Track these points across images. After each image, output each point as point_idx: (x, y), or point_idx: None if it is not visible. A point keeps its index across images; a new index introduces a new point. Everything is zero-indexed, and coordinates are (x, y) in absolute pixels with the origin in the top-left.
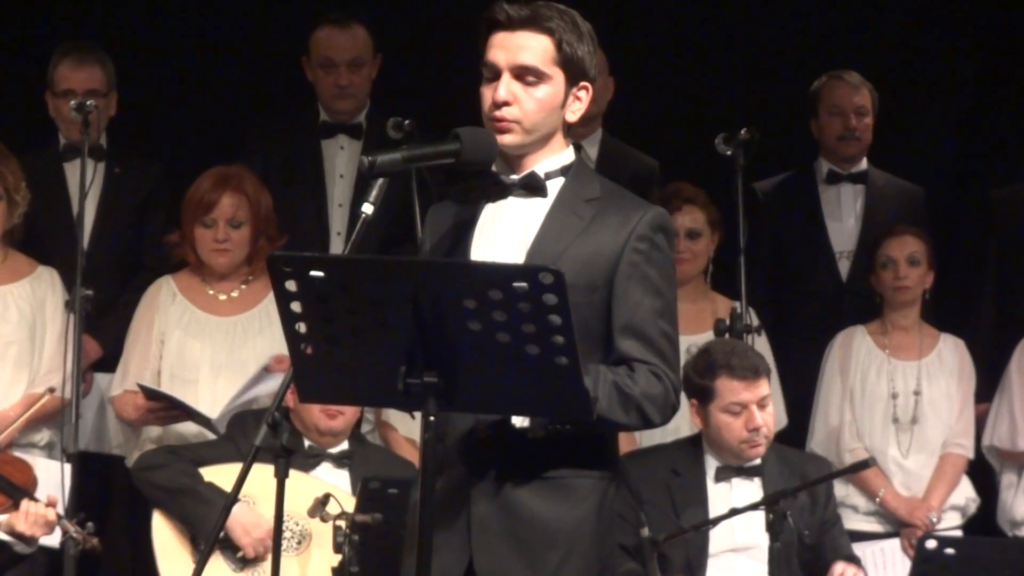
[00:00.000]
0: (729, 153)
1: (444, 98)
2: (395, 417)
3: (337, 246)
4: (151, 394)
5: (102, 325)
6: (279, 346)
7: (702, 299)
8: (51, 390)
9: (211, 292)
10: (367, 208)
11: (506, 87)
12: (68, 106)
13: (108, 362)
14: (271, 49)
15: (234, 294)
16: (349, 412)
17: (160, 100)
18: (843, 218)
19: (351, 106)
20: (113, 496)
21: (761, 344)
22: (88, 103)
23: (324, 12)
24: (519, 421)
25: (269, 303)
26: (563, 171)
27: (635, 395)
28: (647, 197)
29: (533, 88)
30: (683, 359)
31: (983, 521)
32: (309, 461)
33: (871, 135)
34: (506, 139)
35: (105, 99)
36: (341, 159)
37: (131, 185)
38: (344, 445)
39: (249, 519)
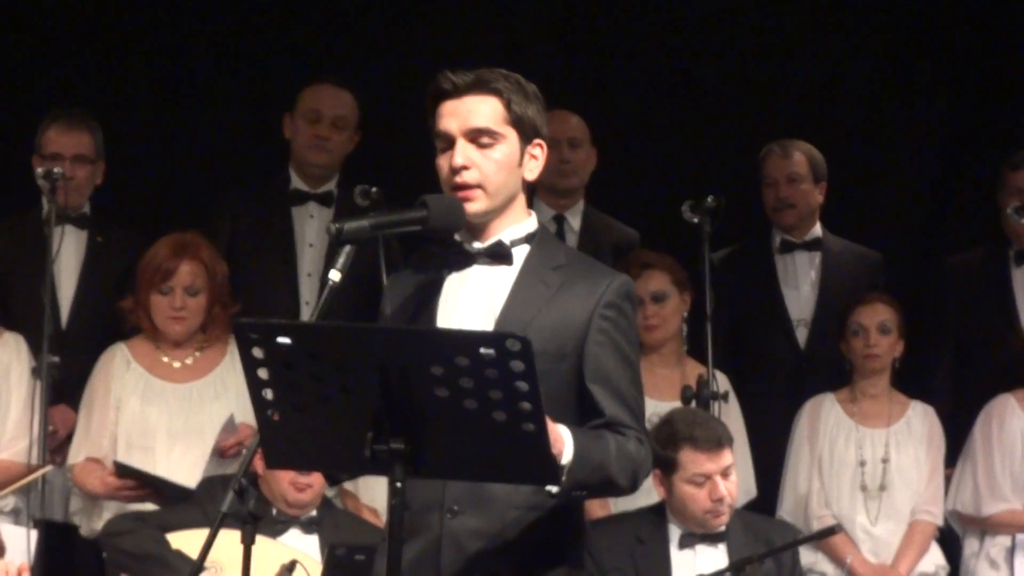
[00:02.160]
0: (696, 220)
1: (410, 169)
2: (358, 485)
3: (306, 316)
4: (124, 471)
5: (79, 395)
6: (235, 413)
7: (676, 365)
8: (54, 462)
9: (165, 359)
10: (334, 275)
11: (462, 152)
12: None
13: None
14: (243, 119)
15: (188, 361)
16: (317, 484)
17: (133, 168)
18: (799, 286)
19: (324, 160)
20: (76, 562)
21: (727, 411)
22: (55, 170)
23: (312, 74)
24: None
25: (223, 370)
26: (527, 239)
27: (633, 459)
28: (619, 267)
29: (489, 150)
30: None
31: None
32: (277, 527)
33: (812, 200)
34: (472, 207)
35: (92, 166)
36: (311, 228)
37: (113, 255)
38: (312, 511)
39: None
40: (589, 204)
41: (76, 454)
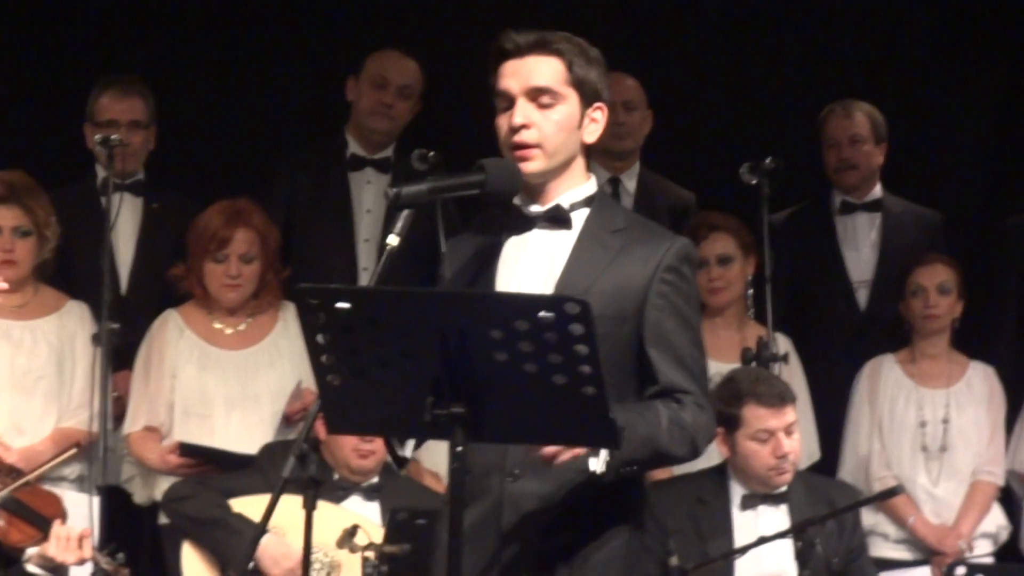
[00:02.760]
0: (754, 182)
1: (468, 133)
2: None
3: (364, 282)
4: (188, 450)
5: None
6: (290, 381)
7: (739, 327)
8: (77, 445)
9: (218, 326)
10: (392, 239)
11: (522, 111)
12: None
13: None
14: (300, 83)
15: (241, 327)
16: (380, 451)
17: (187, 133)
18: (859, 247)
19: (386, 127)
20: (141, 528)
21: (789, 373)
22: (113, 137)
23: (369, 37)
24: (592, 465)
25: (276, 336)
26: (587, 202)
27: (689, 428)
28: (683, 229)
29: (549, 110)
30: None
31: (1015, 548)
32: (339, 493)
33: (874, 161)
34: (529, 167)
35: (146, 132)
36: (368, 193)
37: (169, 221)
38: (374, 478)
39: (278, 550)
40: (644, 166)
41: (132, 423)
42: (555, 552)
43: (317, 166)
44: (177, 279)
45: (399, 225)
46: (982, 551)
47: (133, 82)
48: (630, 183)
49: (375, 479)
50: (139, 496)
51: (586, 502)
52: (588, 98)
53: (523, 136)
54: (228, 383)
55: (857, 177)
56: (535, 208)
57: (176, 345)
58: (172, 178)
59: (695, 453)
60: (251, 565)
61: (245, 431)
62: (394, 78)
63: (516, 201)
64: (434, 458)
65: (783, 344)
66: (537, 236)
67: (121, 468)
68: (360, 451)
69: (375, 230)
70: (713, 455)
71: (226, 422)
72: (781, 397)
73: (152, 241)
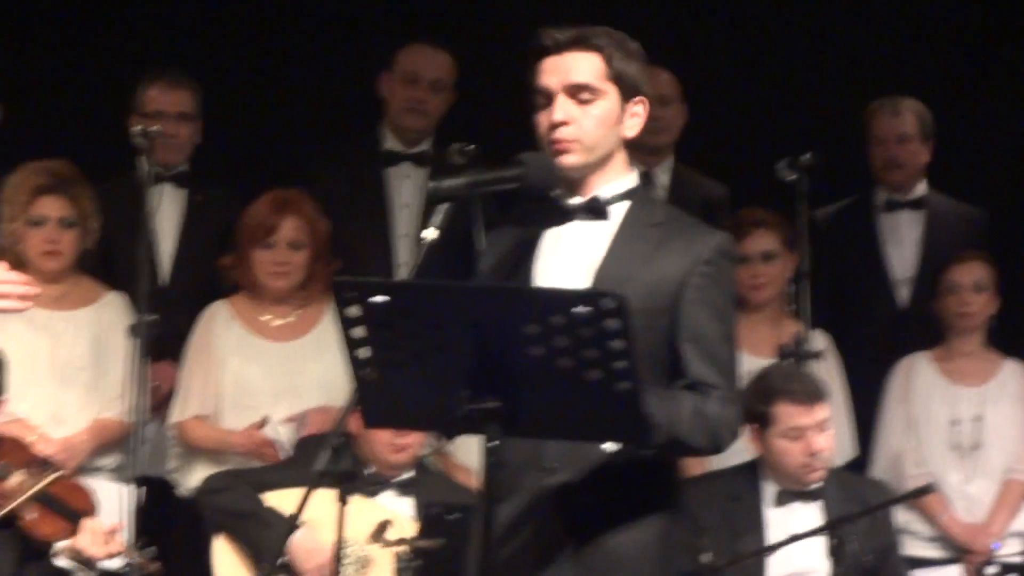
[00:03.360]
0: (792, 178)
1: (505, 126)
2: (456, 444)
3: (402, 277)
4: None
5: (180, 352)
6: (335, 372)
7: (779, 323)
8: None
9: (265, 317)
10: (431, 233)
11: (562, 108)
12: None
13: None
14: (339, 76)
15: (289, 319)
16: (414, 446)
17: (231, 127)
18: (903, 244)
19: (421, 124)
20: (174, 520)
21: (826, 370)
22: (153, 128)
23: (409, 29)
24: (604, 444)
25: (322, 329)
26: (627, 195)
27: (712, 420)
28: (717, 223)
29: (588, 106)
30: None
31: None
32: (372, 487)
33: (920, 159)
34: (567, 160)
35: (194, 124)
36: (406, 188)
37: (212, 214)
38: (408, 473)
39: (311, 545)
40: (678, 160)
41: (182, 412)
42: (591, 547)
43: (354, 162)
44: (226, 270)
45: (437, 218)
46: (1013, 550)
47: (181, 74)
48: (664, 177)
49: (409, 474)
50: (182, 488)
51: (622, 493)
52: (628, 92)
53: (562, 132)
54: (274, 375)
55: (903, 175)
56: (574, 200)
57: (224, 336)
58: (217, 171)
59: (716, 448)
60: (283, 559)
61: (289, 423)
62: (425, 73)
63: (555, 193)
64: (465, 451)
65: (821, 341)
66: (575, 228)
67: (167, 459)
68: (394, 445)
69: (412, 225)
70: (742, 451)
71: (270, 414)
72: (813, 394)
73: (194, 233)
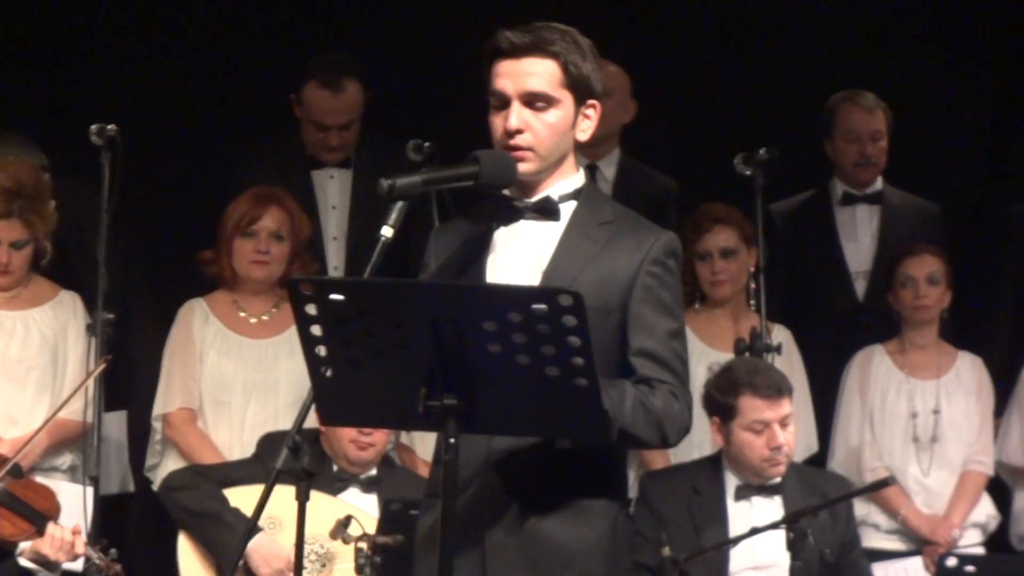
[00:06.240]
0: (748, 173)
1: (461, 124)
2: (415, 439)
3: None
4: None
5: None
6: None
7: (739, 318)
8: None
9: (242, 314)
10: (387, 231)
11: (517, 115)
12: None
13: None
14: (259, 79)
15: (265, 317)
16: (380, 443)
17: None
18: (859, 238)
19: (339, 158)
20: (132, 520)
21: (787, 364)
22: (109, 128)
23: (318, 57)
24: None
25: None
26: (575, 194)
27: (657, 413)
28: (665, 217)
29: (543, 113)
30: (704, 376)
31: (1004, 538)
32: (337, 485)
33: (886, 157)
34: (523, 167)
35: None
36: (332, 189)
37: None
38: (372, 470)
39: (269, 549)
40: (625, 154)
41: (166, 404)
42: (540, 542)
43: (278, 163)
44: (205, 264)
45: (393, 216)
46: (972, 541)
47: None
48: (609, 170)
49: (373, 471)
50: (158, 484)
51: (571, 491)
52: (582, 97)
53: (518, 140)
54: (248, 371)
55: (874, 172)
56: (524, 200)
57: (201, 331)
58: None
59: (664, 441)
60: (242, 563)
61: (260, 419)
62: (331, 121)
63: (506, 192)
64: (428, 447)
65: (780, 335)
66: (525, 227)
67: (146, 455)
68: (359, 442)
69: (343, 227)
70: (707, 446)
71: (243, 409)
72: (777, 389)
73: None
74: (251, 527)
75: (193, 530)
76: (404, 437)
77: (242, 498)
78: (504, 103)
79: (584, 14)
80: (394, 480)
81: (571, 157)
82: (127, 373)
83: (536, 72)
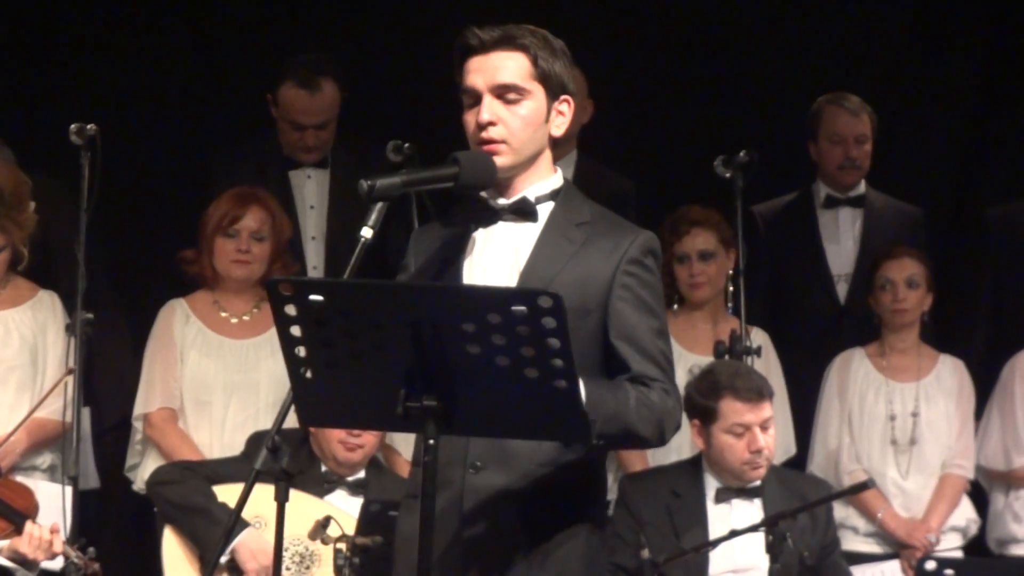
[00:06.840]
0: (728, 176)
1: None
2: (399, 441)
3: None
4: None
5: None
6: None
7: (719, 321)
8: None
9: (223, 315)
10: (367, 232)
11: (488, 108)
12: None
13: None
14: (236, 79)
15: (245, 317)
16: (369, 445)
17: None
18: (841, 241)
19: (316, 158)
20: (111, 519)
21: (766, 367)
22: (89, 127)
23: (295, 57)
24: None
25: None
26: (552, 195)
27: (656, 410)
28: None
29: (515, 106)
30: (684, 379)
31: (984, 542)
32: (325, 486)
33: (870, 161)
34: (497, 161)
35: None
36: (310, 189)
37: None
38: (360, 473)
39: (257, 545)
40: (583, 154)
41: (147, 404)
42: (515, 546)
43: (255, 163)
44: (186, 264)
45: (373, 217)
46: (951, 544)
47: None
48: (567, 170)
49: (361, 474)
50: (138, 484)
51: (547, 496)
52: (554, 91)
53: (490, 133)
54: (228, 370)
55: (859, 175)
56: (501, 201)
57: (182, 331)
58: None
59: (661, 438)
60: (228, 558)
61: (241, 419)
62: (307, 120)
63: (483, 194)
64: (412, 448)
65: (759, 338)
66: (503, 228)
67: (125, 454)
68: (347, 444)
69: (321, 227)
70: (686, 448)
71: (224, 409)
72: (758, 392)
73: None
74: (232, 524)
75: (180, 524)
76: (387, 438)
77: (230, 496)
78: (476, 99)
79: (564, 15)
80: (382, 484)
81: (547, 155)
82: (90, 371)
83: (505, 65)
